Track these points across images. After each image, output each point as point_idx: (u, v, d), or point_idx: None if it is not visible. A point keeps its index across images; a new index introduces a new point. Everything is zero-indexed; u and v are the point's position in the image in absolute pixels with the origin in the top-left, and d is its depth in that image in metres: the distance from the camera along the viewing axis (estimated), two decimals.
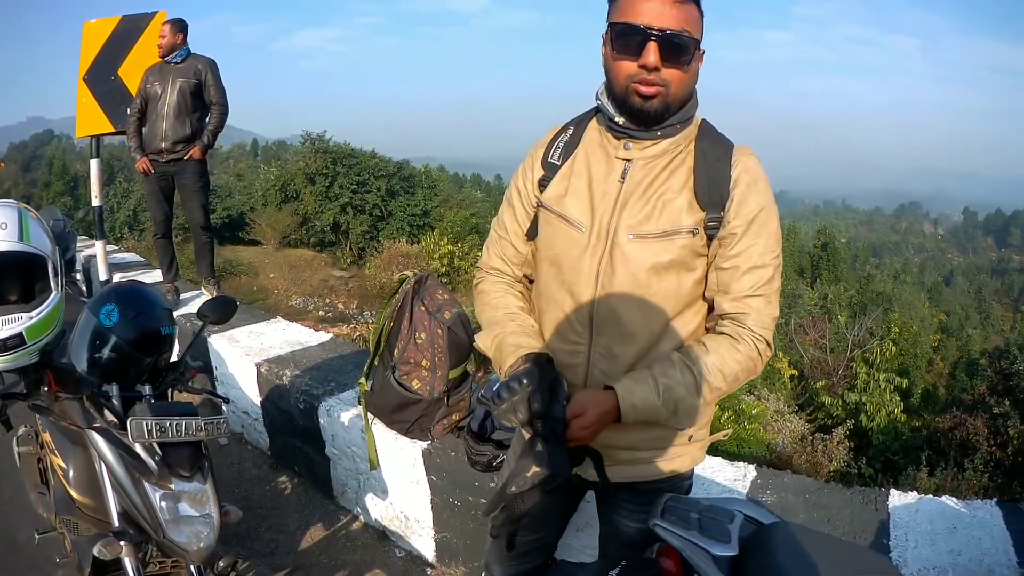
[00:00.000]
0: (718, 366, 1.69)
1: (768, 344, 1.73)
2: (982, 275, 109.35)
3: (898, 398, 17.70)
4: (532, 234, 1.90)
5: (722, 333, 1.73)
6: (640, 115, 1.68)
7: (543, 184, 1.85)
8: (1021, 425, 16.03)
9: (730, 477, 3.11)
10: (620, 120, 1.72)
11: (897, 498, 2.90)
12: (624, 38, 1.62)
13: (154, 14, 5.74)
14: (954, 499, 2.85)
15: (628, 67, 1.63)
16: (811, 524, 2.72)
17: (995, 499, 2.82)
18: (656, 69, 1.60)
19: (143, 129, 5.53)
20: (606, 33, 1.68)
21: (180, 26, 5.49)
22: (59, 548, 2.63)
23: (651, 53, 1.58)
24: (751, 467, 3.22)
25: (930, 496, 2.89)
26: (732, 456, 3.37)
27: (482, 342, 1.90)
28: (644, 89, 1.63)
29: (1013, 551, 2.44)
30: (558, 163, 1.84)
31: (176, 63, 5.47)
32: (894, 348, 19.76)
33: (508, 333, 1.83)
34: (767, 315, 1.72)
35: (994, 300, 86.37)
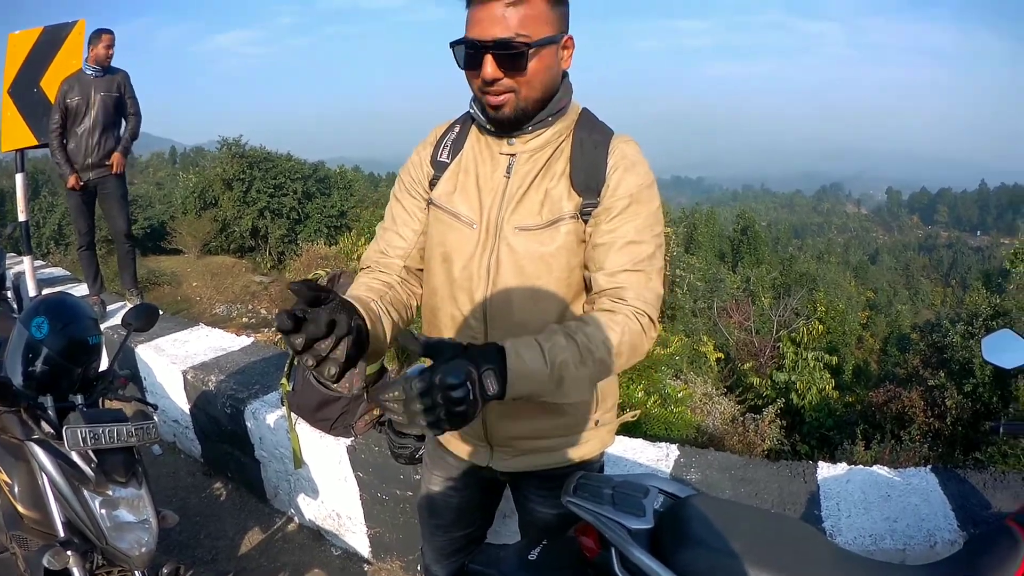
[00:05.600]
0: (600, 337, 1.53)
1: (651, 320, 1.62)
2: (909, 252, 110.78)
3: (828, 375, 18.06)
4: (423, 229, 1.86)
5: (600, 309, 1.62)
6: (498, 123, 1.68)
7: (433, 183, 1.83)
8: (958, 395, 16.53)
9: (652, 457, 3.14)
10: (490, 127, 1.72)
11: (826, 470, 2.92)
12: (464, 54, 1.59)
13: (74, 24, 5.62)
14: (886, 468, 2.87)
15: (476, 81, 1.61)
16: (738, 499, 2.75)
17: (929, 466, 2.85)
18: (497, 79, 1.58)
19: (67, 143, 5.47)
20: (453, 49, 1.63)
21: (113, 39, 5.46)
22: (12, 569, 2.61)
23: (487, 66, 1.55)
24: (673, 447, 3.25)
25: (860, 466, 2.92)
26: (659, 439, 3.39)
27: None
28: (491, 100, 1.62)
29: (953, 515, 2.47)
30: (447, 161, 1.82)
31: (98, 76, 5.43)
32: (821, 327, 20.18)
33: None
34: (647, 290, 1.63)
35: (923, 276, 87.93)
